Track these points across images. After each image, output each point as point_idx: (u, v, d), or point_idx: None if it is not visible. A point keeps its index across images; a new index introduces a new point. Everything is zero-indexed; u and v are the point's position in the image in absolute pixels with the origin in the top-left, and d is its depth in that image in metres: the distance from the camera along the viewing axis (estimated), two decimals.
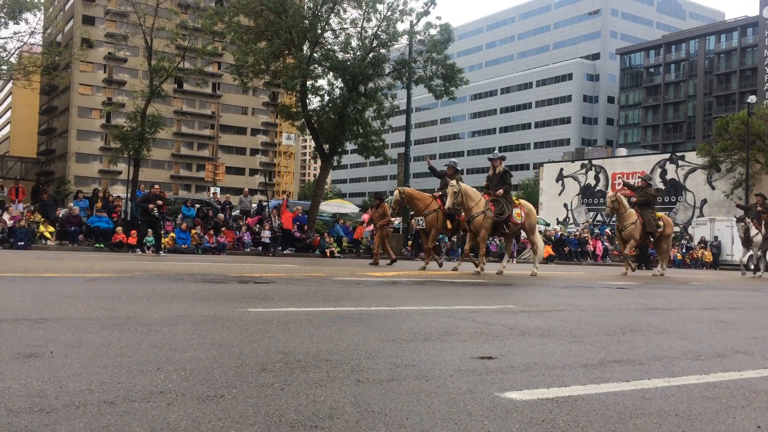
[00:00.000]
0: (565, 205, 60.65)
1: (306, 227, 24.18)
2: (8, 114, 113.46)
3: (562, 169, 62.82)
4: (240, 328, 4.77)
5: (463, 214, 13.98)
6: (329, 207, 35.93)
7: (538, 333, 5.30)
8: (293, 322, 5.18)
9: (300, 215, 24.69)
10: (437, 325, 5.43)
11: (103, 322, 4.71)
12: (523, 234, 16.81)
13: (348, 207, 39.39)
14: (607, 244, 32.29)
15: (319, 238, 23.78)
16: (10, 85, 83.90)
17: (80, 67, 72.61)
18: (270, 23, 24.13)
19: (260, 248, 22.06)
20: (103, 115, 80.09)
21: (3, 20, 22.38)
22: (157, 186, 19.52)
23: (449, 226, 15.46)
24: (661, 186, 53.54)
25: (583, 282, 13.44)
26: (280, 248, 22.44)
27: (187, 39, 29.18)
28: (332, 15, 24.80)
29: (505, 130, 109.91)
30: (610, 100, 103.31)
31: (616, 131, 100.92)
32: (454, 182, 13.82)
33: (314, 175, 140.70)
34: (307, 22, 24.24)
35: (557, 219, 55.11)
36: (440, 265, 16.21)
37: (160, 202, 18.35)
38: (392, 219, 18.76)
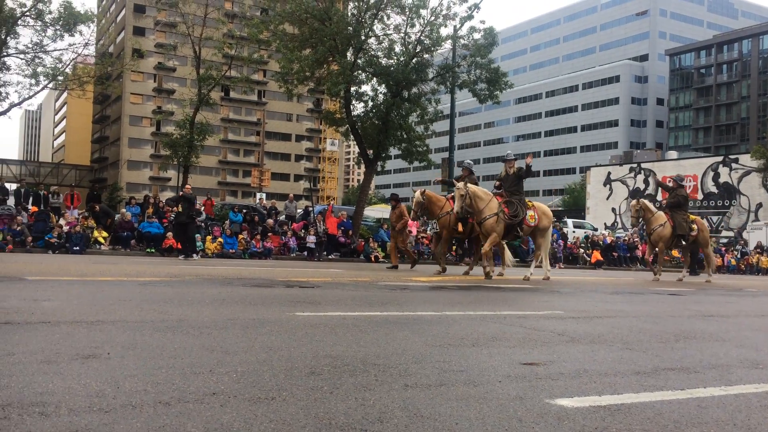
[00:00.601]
0: (613, 210, 59.47)
1: (350, 232, 24.31)
2: (63, 123, 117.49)
3: (609, 173, 61.66)
4: (288, 331, 4.83)
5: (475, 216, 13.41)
6: (373, 212, 36.11)
7: (587, 339, 5.22)
8: (340, 327, 5.21)
9: (344, 220, 24.84)
10: (484, 331, 5.39)
11: (157, 324, 4.83)
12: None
13: None
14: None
15: (363, 243, 23.88)
16: (65, 95, 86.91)
17: (131, 77, 74.70)
18: (314, 30, 24.40)
19: (305, 253, 22.26)
20: (153, 124, 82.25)
21: (59, 33, 23.18)
22: (188, 186, 19.26)
23: (460, 229, 14.79)
24: (714, 190, 52.08)
25: (633, 288, 13.15)
26: (325, 253, 22.60)
27: (233, 48, 29.80)
28: (376, 21, 24.91)
29: (550, 133, 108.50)
30: (660, 102, 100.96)
31: (666, 134, 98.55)
32: (460, 184, 13.15)
33: (358, 180, 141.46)
34: (350, 28, 24.41)
35: (605, 224, 54.10)
36: (443, 270, 15.16)
37: (177, 207, 17.62)
38: (410, 221, 17.90)
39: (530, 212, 13.66)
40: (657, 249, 16.81)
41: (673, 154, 67.90)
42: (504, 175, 13.91)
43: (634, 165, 60.23)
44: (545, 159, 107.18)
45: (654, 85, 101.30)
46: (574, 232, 35.24)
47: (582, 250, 29.31)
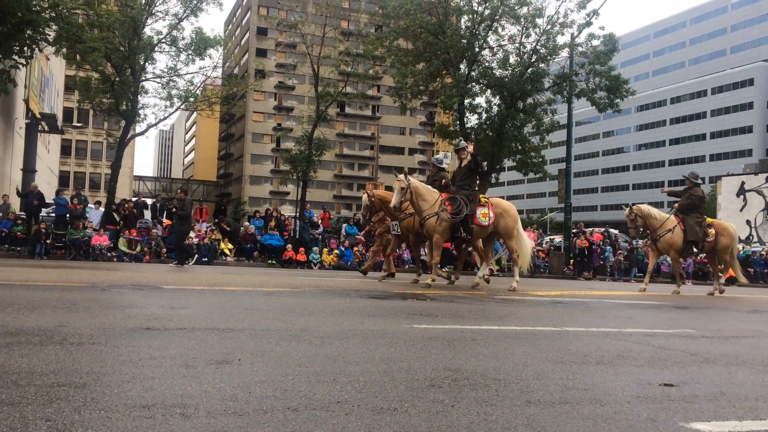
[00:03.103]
0: (748, 222, 55.30)
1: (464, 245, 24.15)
2: (193, 142, 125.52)
3: (743, 183, 57.48)
4: (407, 343, 4.87)
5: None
6: None
7: (724, 360, 4.88)
8: (458, 340, 5.19)
9: None
10: (609, 348, 5.18)
11: (282, 333, 5.02)
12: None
13: None
14: None
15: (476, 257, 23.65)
16: (194, 115, 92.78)
17: (254, 96, 78.51)
18: (428, 45, 24.65)
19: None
20: (273, 140, 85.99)
21: (191, 57, 24.84)
22: (181, 193, 18.71)
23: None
24: None
25: None
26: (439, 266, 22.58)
27: (350, 65, 30.66)
28: (490, 33, 24.82)
29: (675, 142, 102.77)
30: None
31: None
32: (402, 176, 11.65)
33: None
34: (464, 41, 24.45)
35: (738, 237, 50.40)
36: (418, 279, 13.29)
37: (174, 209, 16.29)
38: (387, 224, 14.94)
39: (482, 210, 11.92)
40: (670, 258, 14.69)
41: None
42: (458, 167, 12.30)
43: None
44: (670, 168, 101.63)
45: None
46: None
47: None
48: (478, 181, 13.04)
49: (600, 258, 24.67)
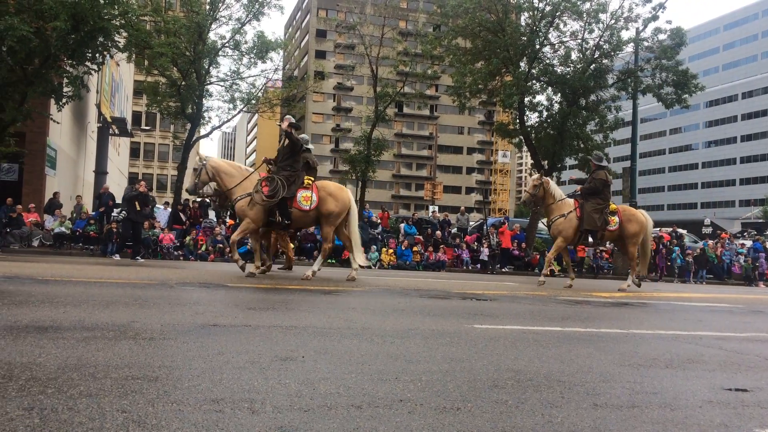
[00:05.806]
0: None
1: (524, 245, 23.85)
2: (254, 143, 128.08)
3: None
4: (468, 343, 4.85)
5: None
6: None
7: None
8: (520, 341, 5.14)
9: (518, 233, 24.42)
10: (678, 352, 5.02)
11: (343, 331, 5.08)
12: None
13: None
14: None
15: (538, 257, 23.31)
16: (256, 117, 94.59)
17: (313, 98, 79.51)
18: (488, 43, 24.41)
19: (479, 266, 22.19)
20: (332, 141, 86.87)
21: (253, 60, 25.37)
22: (143, 182, 18.73)
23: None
24: None
25: None
26: (498, 266, 22.38)
27: (408, 65, 30.72)
28: (551, 29, 24.39)
29: (747, 138, 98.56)
30: None
31: None
32: (201, 156, 10.75)
33: None
34: (524, 38, 24.11)
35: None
36: (267, 268, 11.94)
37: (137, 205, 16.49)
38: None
39: (304, 193, 10.71)
40: (554, 246, 13.32)
41: None
42: (280, 146, 11.27)
43: None
44: (741, 166, 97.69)
45: None
46: None
47: None
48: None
49: (667, 259, 23.93)
